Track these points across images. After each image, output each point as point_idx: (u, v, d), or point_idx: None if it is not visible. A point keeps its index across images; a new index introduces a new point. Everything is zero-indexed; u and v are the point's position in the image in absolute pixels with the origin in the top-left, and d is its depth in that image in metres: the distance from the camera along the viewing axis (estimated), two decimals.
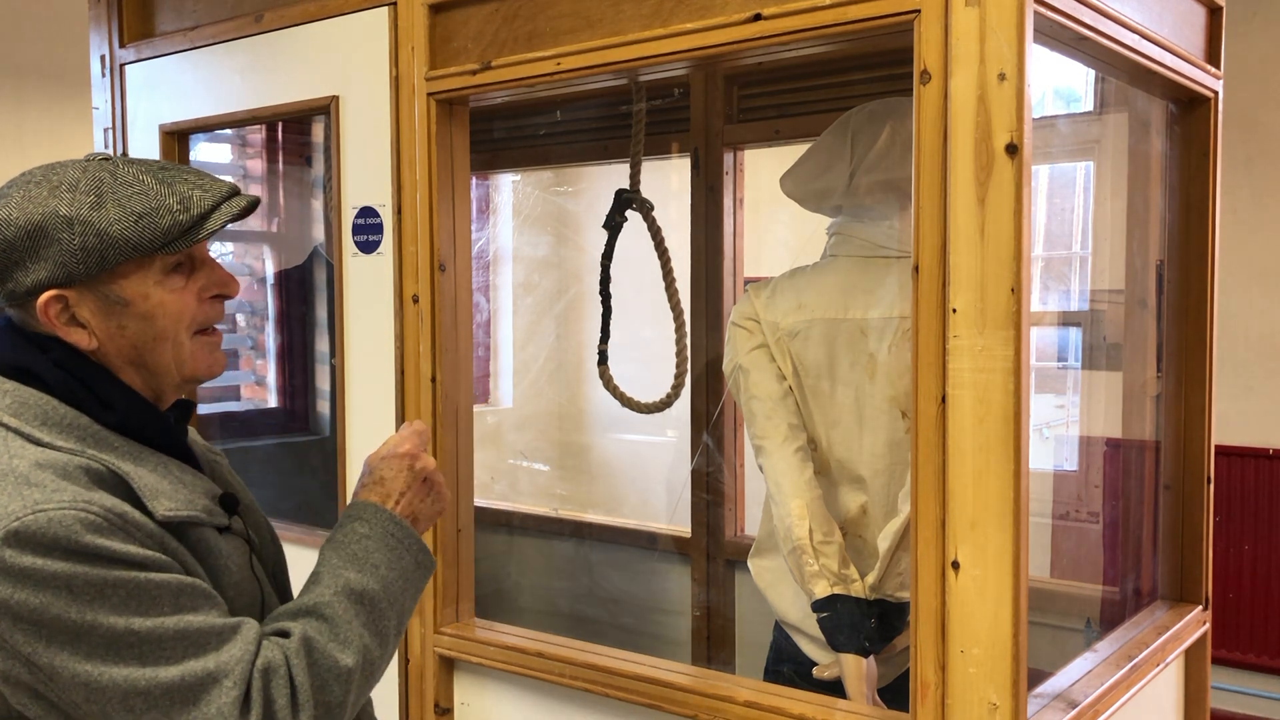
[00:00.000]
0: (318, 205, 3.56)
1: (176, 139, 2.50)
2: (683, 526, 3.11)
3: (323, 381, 3.54)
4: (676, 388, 2.48)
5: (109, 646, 1.09)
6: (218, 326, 1.34)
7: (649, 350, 3.11)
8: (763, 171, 3.05)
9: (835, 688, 1.91)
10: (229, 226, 1.30)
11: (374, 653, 1.23)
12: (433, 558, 1.36)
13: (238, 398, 3.65)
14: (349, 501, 1.37)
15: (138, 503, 1.17)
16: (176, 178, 1.25)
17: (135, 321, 1.24)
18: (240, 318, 3.64)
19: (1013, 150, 1.39)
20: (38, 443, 1.17)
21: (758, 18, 1.58)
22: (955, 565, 1.45)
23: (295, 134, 3.55)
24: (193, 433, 1.41)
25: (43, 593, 1.07)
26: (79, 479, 1.14)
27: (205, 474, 1.33)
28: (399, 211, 2.04)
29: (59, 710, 1.12)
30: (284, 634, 1.20)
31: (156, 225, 1.21)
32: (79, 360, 1.24)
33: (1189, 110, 2.11)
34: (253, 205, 1.30)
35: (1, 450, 1.15)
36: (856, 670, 1.90)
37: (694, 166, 2.99)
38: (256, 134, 3.56)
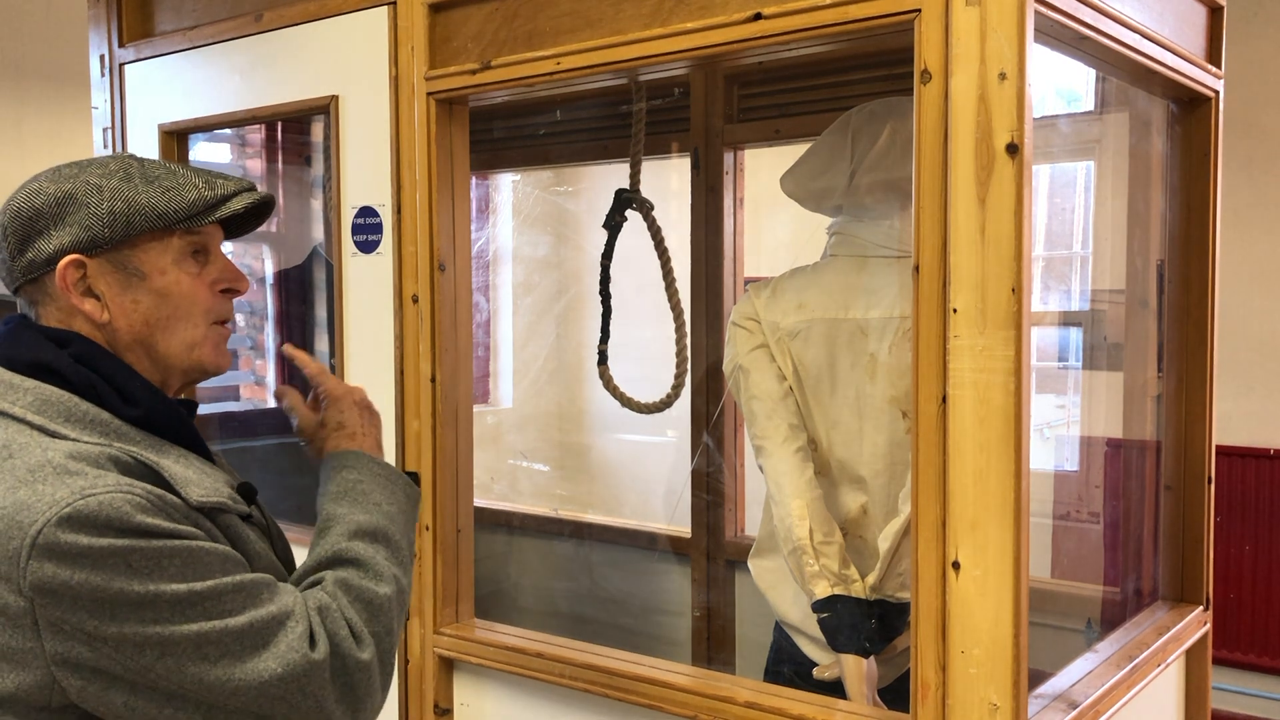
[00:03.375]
0: (317, 205, 3.55)
1: (176, 139, 2.49)
2: (683, 527, 3.10)
3: None
4: (676, 388, 2.48)
5: (174, 608, 1.12)
6: (226, 325, 1.37)
7: (649, 350, 3.11)
8: (763, 171, 3.05)
9: (835, 688, 1.91)
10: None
11: (402, 581, 1.31)
12: (418, 486, 1.42)
13: (237, 398, 3.65)
14: (328, 453, 1.43)
15: (170, 490, 1.19)
16: (200, 169, 1.32)
17: (150, 297, 1.27)
18: (240, 318, 3.64)
19: (1013, 150, 1.39)
20: (63, 439, 1.19)
21: (758, 17, 1.58)
22: (956, 565, 1.45)
23: (295, 134, 3.54)
24: None
25: (102, 571, 1.09)
26: (111, 469, 1.16)
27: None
28: (399, 211, 2.04)
29: (124, 681, 1.12)
30: (316, 583, 1.26)
31: (183, 196, 1.26)
32: (99, 355, 1.26)
33: (1190, 110, 2.11)
34: (270, 200, 1.36)
35: (32, 445, 1.17)
36: (857, 671, 1.90)
37: (694, 166, 2.99)
38: (256, 134, 3.56)
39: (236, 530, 1.26)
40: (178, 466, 1.23)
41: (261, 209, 1.36)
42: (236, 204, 1.30)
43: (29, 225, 1.24)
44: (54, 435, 1.18)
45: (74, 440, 1.18)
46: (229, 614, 1.14)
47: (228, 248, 1.39)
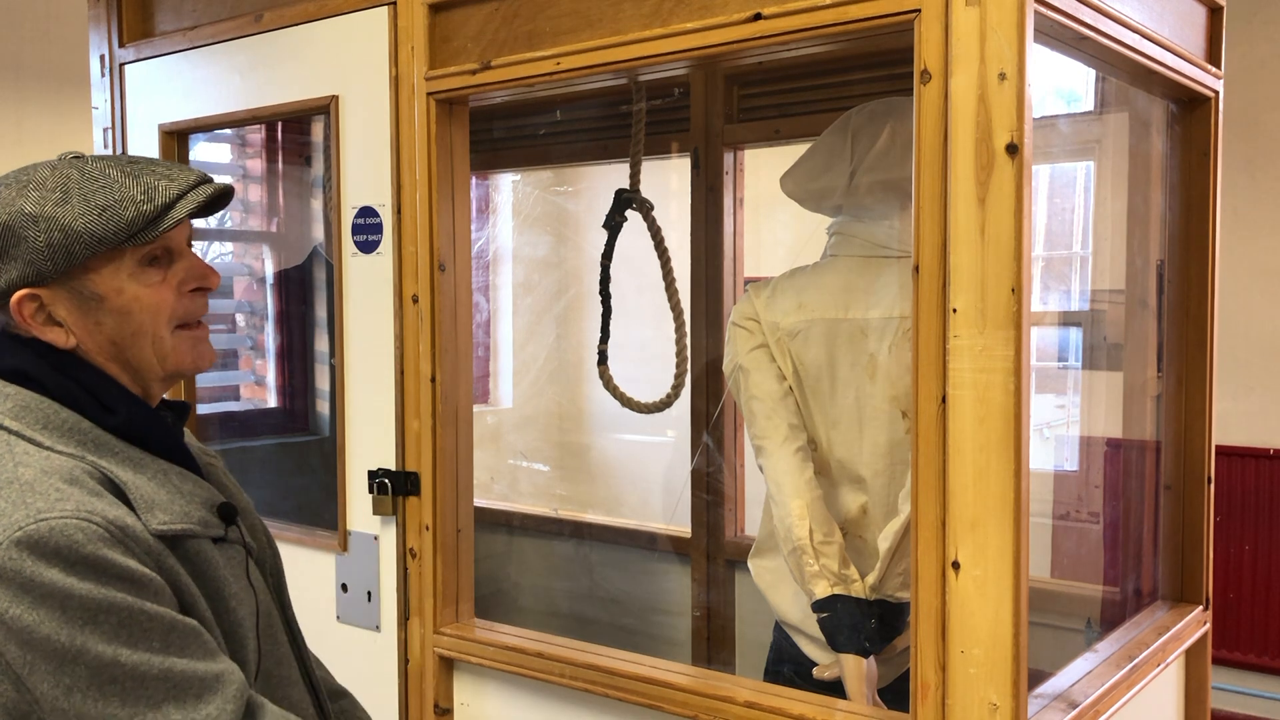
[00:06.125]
0: (317, 205, 3.55)
1: (176, 139, 2.49)
2: (683, 527, 3.10)
3: (322, 381, 3.54)
4: (676, 388, 2.48)
5: (93, 677, 1.07)
6: (204, 320, 1.33)
7: (649, 350, 3.11)
8: (763, 171, 3.05)
9: (835, 688, 1.91)
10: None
11: None
12: None
13: (237, 398, 3.65)
14: None
15: (134, 512, 1.16)
16: (144, 170, 1.24)
17: (111, 317, 1.23)
18: (240, 318, 3.64)
19: (1013, 150, 1.39)
20: (39, 446, 1.17)
21: (758, 17, 1.58)
22: (955, 565, 1.45)
23: (295, 134, 3.54)
24: (188, 434, 1.40)
25: (37, 609, 1.06)
26: (84, 484, 1.14)
27: (203, 479, 1.33)
28: (399, 211, 2.04)
29: None
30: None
31: (120, 217, 1.20)
32: (79, 364, 1.23)
33: (1189, 110, 2.11)
34: (223, 192, 1.28)
35: (5, 456, 1.15)
36: (857, 670, 1.90)
37: (694, 166, 2.99)
38: (256, 134, 3.55)
39: (205, 556, 1.22)
40: (150, 485, 1.20)
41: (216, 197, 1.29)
42: (179, 211, 1.22)
43: None
44: (31, 442, 1.17)
45: (49, 449, 1.17)
46: (143, 703, 1.09)
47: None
